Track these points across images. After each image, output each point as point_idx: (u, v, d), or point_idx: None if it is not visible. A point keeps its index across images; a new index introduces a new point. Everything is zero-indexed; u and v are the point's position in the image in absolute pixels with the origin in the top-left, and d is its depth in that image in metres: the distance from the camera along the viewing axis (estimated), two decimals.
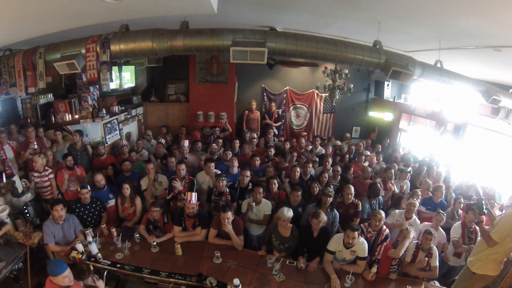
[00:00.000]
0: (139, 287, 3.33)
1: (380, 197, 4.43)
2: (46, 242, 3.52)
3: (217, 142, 5.90)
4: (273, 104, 7.78)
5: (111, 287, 3.25)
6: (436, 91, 6.74)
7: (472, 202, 3.89)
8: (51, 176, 4.39)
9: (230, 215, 3.47)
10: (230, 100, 7.63)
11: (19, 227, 3.85)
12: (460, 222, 3.85)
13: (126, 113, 6.61)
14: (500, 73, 4.73)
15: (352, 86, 5.79)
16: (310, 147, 6.43)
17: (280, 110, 7.93)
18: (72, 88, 6.25)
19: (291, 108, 8.16)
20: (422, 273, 3.29)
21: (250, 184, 4.38)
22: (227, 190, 4.19)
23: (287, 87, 8.00)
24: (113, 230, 3.74)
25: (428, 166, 5.40)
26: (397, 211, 4.08)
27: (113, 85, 6.19)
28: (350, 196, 4.08)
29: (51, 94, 5.65)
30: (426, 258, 3.27)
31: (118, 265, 3.35)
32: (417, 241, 3.44)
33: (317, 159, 5.63)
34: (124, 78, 6.88)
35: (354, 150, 6.21)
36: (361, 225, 3.62)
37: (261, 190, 3.91)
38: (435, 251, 3.31)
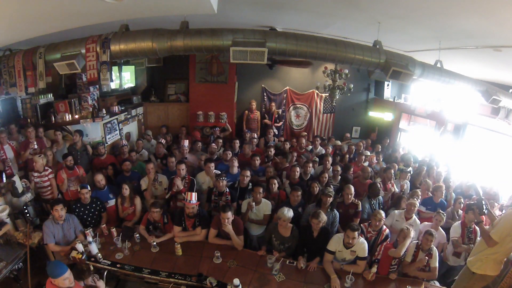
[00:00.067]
0: (139, 287, 3.33)
1: (380, 197, 4.43)
2: (46, 242, 3.52)
3: (217, 142, 5.90)
4: (273, 104, 7.78)
5: (111, 287, 3.25)
6: (436, 91, 6.74)
7: (472, 202, 3.89)
8: (51, 176, 4.39)
9: (230, 215, 3.47)
10: (230, 100, 7.63)
11: (19, 227, 3.85)
12: (459, 221, 3.85)
13: (126, 113, 6.61)
14: (500, 73, 4.73)
15: (352, 86, 5.79)
16: (310, 147, 6.43)
17: (280, 110, 7.92)
18: (72, 88, 6.25)
19: (291, 108, 8.16)
20: (422, 273, 3.29)
21: (250, 184, 4.38)
22: (227, 190, 4.19)
23: (287, 87, 8.00)
24: (113, 230, 3.74)
25: (428, 166, 5.40)
26: (396, 211, 4.08)
27: (113, 85, 6.18)
28: (350, 196, 4.08)
29: (51, 94, 5.65)
30: (426, 258, 3.27)
31: (118, 265, 3.35)
32: (417, 241, 3.44)
33: (317, 159, 5.63)
34: (124, 78, 6.89)
35: (354, 150, 6.21)
36: (361, 225, 3.62)
37: (261, 190, 3.91)
38: (435, 252, 3.31)
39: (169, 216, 3.91)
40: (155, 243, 3.59)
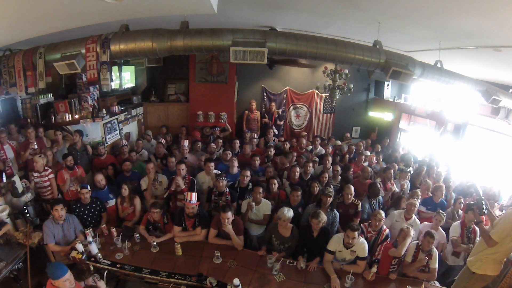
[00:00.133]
0: (139, 287, 3.33)
1: (380, 197, 4.43)
2: (46, 242, 3.52)
3: (217, 142, 5.90)
4: (273, 104, 7.78)
5: (111, 287, 3.25)
6: (436, 91, 6.74)
7: (472, 201, 3.89)
8: (51, 176, 4.39)
9: (230, 215, 3.47)
10: (230, 100, 7.63)
11: (19, 227, 3.85)
12: (459, 221, 3.85)
13: (126, 113, 6.61)
14: (500, 73, 4.73)
15: (352, 86, 5.79)
16: (310, 147, 6.43)
17: (280, 110, 7.93)
18: (72, 88, 6.25)
19: (291, 108, 8.16)
20: (421, 274, 3.29)
21: (250, 184, 4.38)
22: (227, 190, 4.19)
23: (287, 87, 8.00)
24: (113, 230, 3.74)
25: (428, 166, 5.40)
26: (396, 211, 4.08)
27: (113, 85, 6.17)
28: (350, 196, 4.08)
29: (51, 94, 5.65)
30: (426, 258, 3.27)
31: (118, 265, 3.35)
32: (417, 241, 3.44)
33: (317, 159, 5.63)
34: (124, 78, 6.89)
35: (354, 150, 6.21)
36: (361, 225, 3.62)
37: (261, 190, 3.91)
38: (435, 253, 3.31)
39: (169, 216, 3.91)
40: (155, 243, 3.59)
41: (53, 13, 2.96)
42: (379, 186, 4.42)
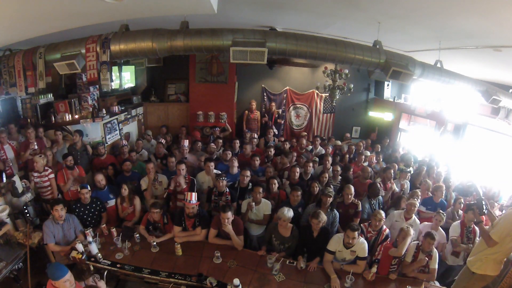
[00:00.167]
0: (139, 287, 3.33)
1: (380, 197, 4.43)
2: (46, 242, 3.52)
3: (217, 142, 5.90)
4: (273, 104, 7.78)
5: (111, 287, 3.25)
6: (436, 91, 6.74)
7: (472, 202, 3.89)
8: (51, 176, 4.39)
9: (230, 215, 3.47)
10: (230, 100, 7.63)
11: (19, 227, 3.85)
12: (459, 221, 3.85)
13: (126, 113, 6.61)
14: (500, 73, 4.73)
15: (352, 86, 5.79)
16: (310, 147, 6.43)
17: (280, 110, 7.93)
18: (72, 88, 6.25)
19: (291, 108, 8.16)
20: (421, 274, 3.29)
21: (250, 184, 4.38)
22: (227, 190, 4.19)
23: (287, 87, 8.00)
24: (113, 230, 3.74)
25: (428, 166, 5.40)
26: (395, 212, 4.08)
27: (113, 85, 6.17)
28: (350, 196, 4.08)
29: (51, 94, 5.65)
30: (426, 259, 3.27)
31: (118, 265, 3.35)
32: (417, 241, 3.43)
33: (317, 159, 5.63)
34: (124, 78, 6.89)
35: (354, 150, 6.21)
36: (361, 225, 3.62)
37: (260, 190, 3.91)
38: (435, 254, 3.30)
39: (169, 216, 3.91)
40: (155, 243, 3.59)
41: (53, 13, 2.96)
42: (379, 186, 4.42)
